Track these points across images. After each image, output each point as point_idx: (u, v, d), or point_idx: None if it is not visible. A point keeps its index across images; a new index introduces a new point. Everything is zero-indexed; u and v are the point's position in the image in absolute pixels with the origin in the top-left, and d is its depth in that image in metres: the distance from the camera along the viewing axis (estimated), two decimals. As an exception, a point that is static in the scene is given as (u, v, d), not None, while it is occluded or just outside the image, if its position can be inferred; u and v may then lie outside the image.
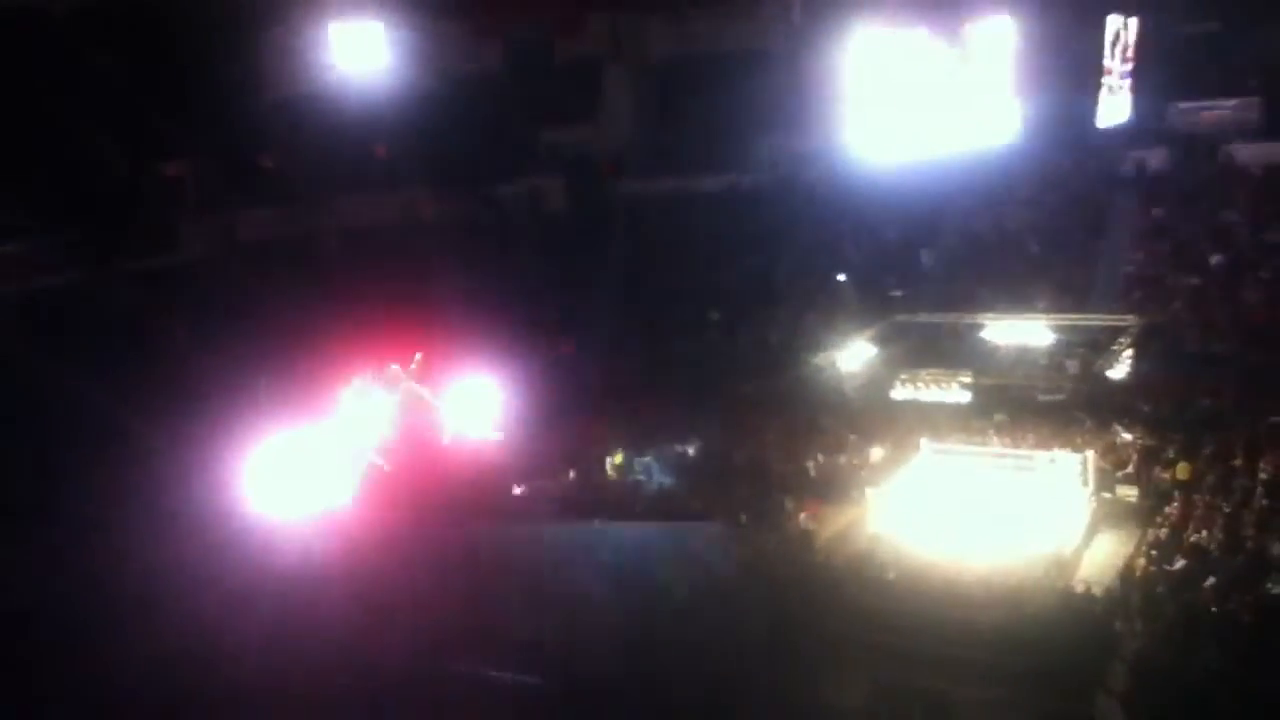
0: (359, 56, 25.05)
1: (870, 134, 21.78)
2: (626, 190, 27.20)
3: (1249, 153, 24.43)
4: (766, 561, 16.04)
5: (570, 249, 25.00)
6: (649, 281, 24.29)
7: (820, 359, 19.62)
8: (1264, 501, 15.80)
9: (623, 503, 18.22)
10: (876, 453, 19.46)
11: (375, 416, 17.37)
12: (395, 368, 17.71)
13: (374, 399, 17.46)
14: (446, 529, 15.93)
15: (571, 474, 19.45)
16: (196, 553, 14.41)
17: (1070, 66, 23.98)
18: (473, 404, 18.41)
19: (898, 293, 23.46)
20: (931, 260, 24.78)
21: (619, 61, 29.47)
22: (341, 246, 24.08)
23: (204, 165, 24.44)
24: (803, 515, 17.40)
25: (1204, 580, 14.10)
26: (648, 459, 19.49)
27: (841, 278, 24.19)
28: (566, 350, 20.33)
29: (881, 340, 19.90)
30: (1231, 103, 25.06)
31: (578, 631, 14.21)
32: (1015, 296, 21.42)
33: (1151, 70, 24.81)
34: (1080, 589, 14.73)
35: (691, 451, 19.92)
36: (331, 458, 16.34)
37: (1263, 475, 16.35)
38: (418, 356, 17.97)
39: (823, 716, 13.20)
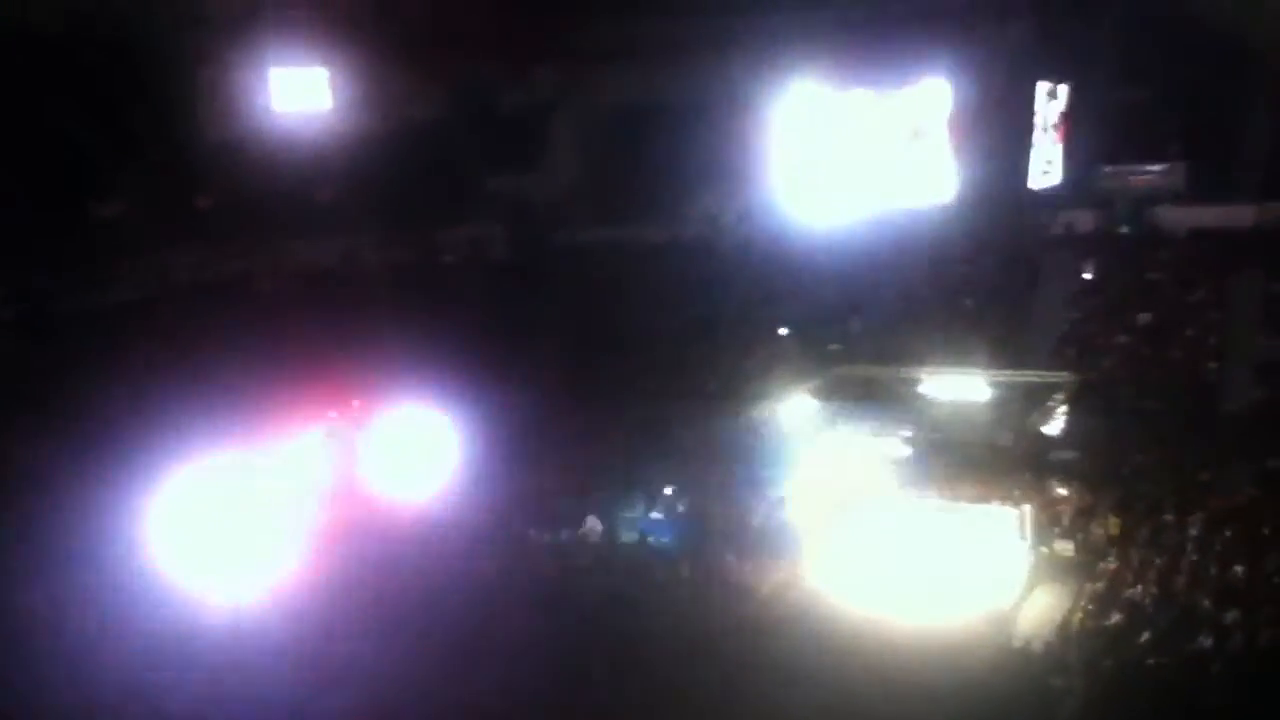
0: (301, 100, 24.87)
1: (807, 190, 22.13)
2: (568, 239, 27.24)
3: (1174, 215, 25.22)
4: (706, 614, 15.91)
5: (512, 297, 24.87)
6: (590, 331, 24.22)
7: (760, 411, 19.65)
8: (1194, 556, 16.11)
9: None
10: (815, 504, 19.44)
11: (312, 466, 16.85)
12: (333, 414, 17.25)
13: (311, 447, 16.96)
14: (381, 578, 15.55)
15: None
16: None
17: (1003, 129, 24.64)
18: (416, 452, 18.01)
19: (836, 346, 23.67)
20: (866, 319, 25.06)
21: (563, 111, 29.65)
22: (279, 289, 23.66)
23: (140, 205, 23.97)
24: (743, 568, 17.35)
25: (1139, 635, 14.27)
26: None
27: (782, 331, 24.34)
28: (510, 399, 20.06)
29: (822, 393, 20.01)
30: (1157, 168, 25.88)
31: (503, 684, 13.88)
32: (952, 352, 21.69)
33: (1081, 135, 25.58)
34: (1018, 644, 14.82)
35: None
36: (258, 506, 15.76)
37: (1192, 531, 16.71)
38: (356, 403, 17.55)
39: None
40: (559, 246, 26.97)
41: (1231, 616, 14.57)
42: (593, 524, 19.01)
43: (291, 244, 24.53)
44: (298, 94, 24.68)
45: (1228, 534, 16.42)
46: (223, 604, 14.44)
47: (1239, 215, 24.79)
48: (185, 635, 13.68)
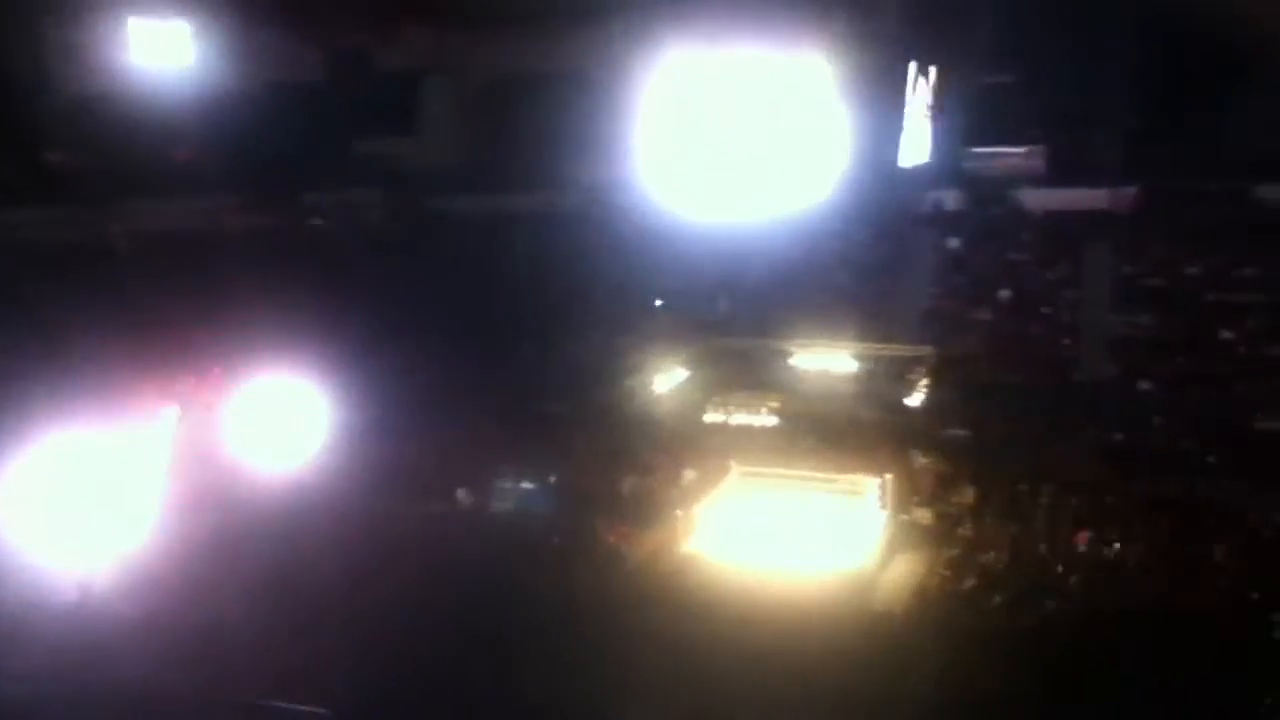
0: (161, 55, 23.71)
1: (682, 162, 22.15)
2: (444, 207, 26.70)
3: (1034, 198, 26.12)
4: (577, 584, 15.95)
5: (385, 264, 24.31)
6: (465, 299, 23.84)
7: (634, 382, 19.74)
8: (1045, 524, 16.88)
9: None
10: (687, 475, 19.67)
11: (170, 436, 16.17)
12: (192, 383, 16.59)
13: (169, 417, 16.27)
14: (240, 552, 15.09)
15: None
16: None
17: (875, 108, 25.04)
18: (280, 418, 17.46)
19: (709, 319, 23.84)
20: (739, 292, 25.26)
21: (439, 76, 28.98)
22: (137, 253, 22.59)
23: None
24: (613, 537, 17.44)
25: (991, 599, 14.89)
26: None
27: (657, 303, 24.40)
28: (381, 369, 19.62)
29: (695, 364, 20.22)
30: (1020, 150, 26.73)
31: (369, 657, 13.67)
32: (822, 326, 22.10)
33: (949, 117, 26.22)
34: (879, 608, 15.31)
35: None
36: (113, 479, 15.10)
37: (1043, 500, 17.48)
38: (217, 372, 16.91)
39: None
40: (434, 214, 26.40)
41: (1076, 580, 15.34)
42: (463, 495, 18.82)
43: (150, 205, 23.44)
44: (158, 48, 23.51)
45: (1075, 503, 17.25)
46: (74, 580, 13.88)
47: (1094, 198, 25.80)
48: (34, 612, 13.13)
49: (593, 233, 25.76)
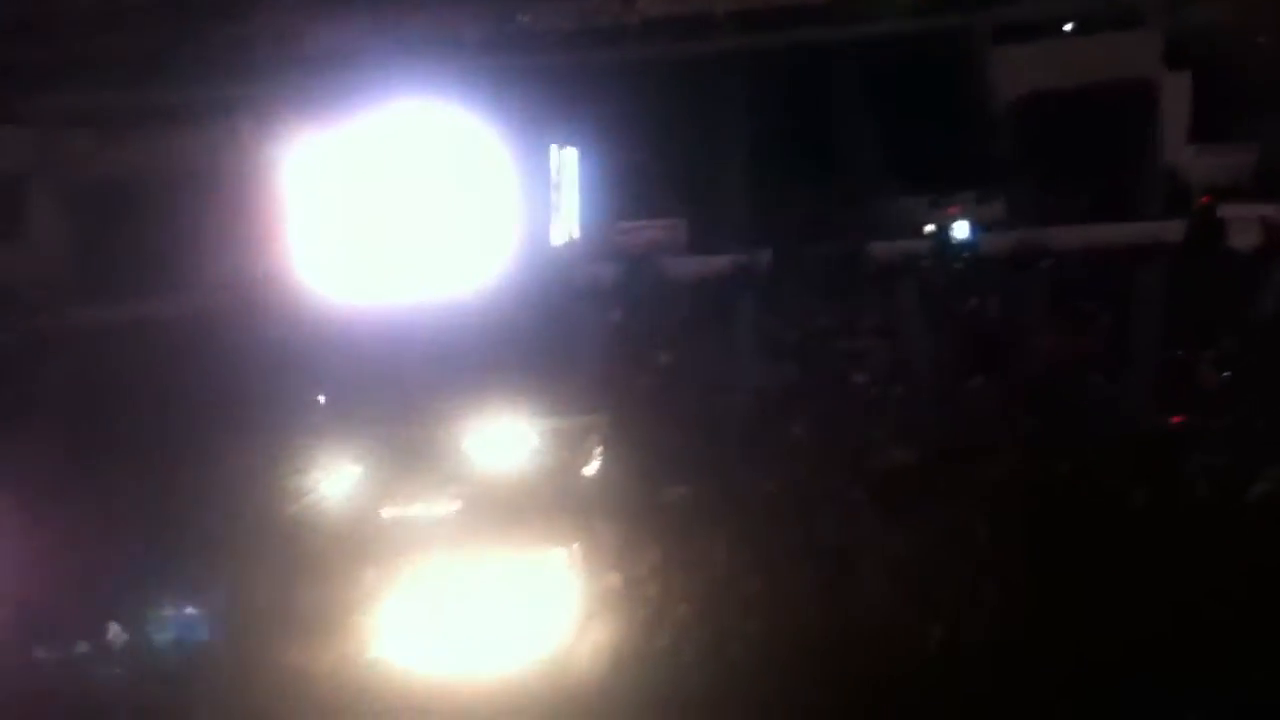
0: None
1: (332, 251, 21.59)
2: (58, 320, 24.32)
3: (679, 266, 27.83)
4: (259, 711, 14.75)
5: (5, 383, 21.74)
6: (104, 417, 21.74)
7: (302, 485, 18.71)
8: (723, 573, 17.55)
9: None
10: (368, 575, 18.75)
11: None
12: None
13: None
14: None
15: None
16: None
17: (523, 189, 25.70)
18: None
19: (377, 411, 23.09)
20: (404, 379, 24.74)
21: (40, 180, 26.59)
22: None
23: None
24: (292, 654, 16.26)
25: (682, 654, 15.25)
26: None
27: (319, 398, 23.37)
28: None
29: (365, 459, 19.46)
30: (661, 223, 28.48)
31: None
32: (493, 405, 22.00)
33: (594, 195, 27.40)
34: (575, 678, 15.25)
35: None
36: None
37: (718, 552, 18.20)
38: None
39: None
40: (46, 328, 23.96)
41: (754, 627, 16.08)
42: (116, 630, 16.87)
43: None
44: None
45: (746, 550, 18.08)
46: None
47: (732, 264, 27.87)
48: None
49: (238, 333, 24.40)
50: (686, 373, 24.58)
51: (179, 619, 17.45)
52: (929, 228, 30.22)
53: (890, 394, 23.61)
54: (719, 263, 27.89)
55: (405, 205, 22.86)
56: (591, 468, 19.42)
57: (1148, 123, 30.37)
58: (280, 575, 18.38)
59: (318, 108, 21.67)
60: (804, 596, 16.39)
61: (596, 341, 26.12)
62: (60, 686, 15.68)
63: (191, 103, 25.53)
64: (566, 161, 27.11)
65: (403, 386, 24.49)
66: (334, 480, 18.72)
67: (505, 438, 19.87)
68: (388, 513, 18.42)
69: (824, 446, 21.42)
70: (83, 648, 16.75)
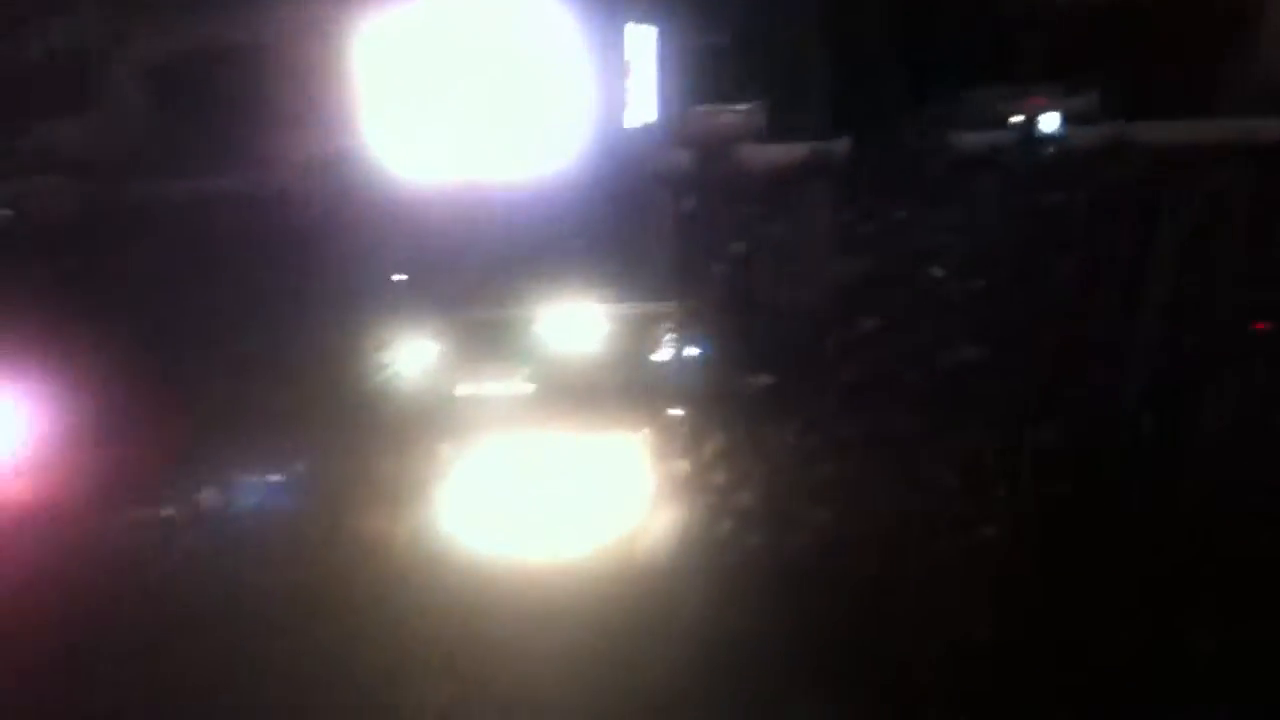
0: None
1: (407, 130, 21.56)
2: (144, 192, 24.66)
3: (756, 154, 27.23)
4: (337, 576, 15.38)
5: (86, 256, 22.22)
6: (177, 290, 22.20)
7: (379, 362, 19.12)
8: (791, 464, 17.74)
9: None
10: (442, 450, 19.25)
11: None
12: None
13: None
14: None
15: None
16: None
17: (597, 71, 25.27)
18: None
19: (452, 291, 23.36)
20: (481, 261, 24.94)
21: (123, 52, 26.68)
22: None
23: None
24: (369, 524, 16.86)
25: (747, 539, 15.54)
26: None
27: (397, 278, 23.65)
28: (92, 366, 17.95)
29: (440, 339, 19.80)
30: (741, 108, 27.76)
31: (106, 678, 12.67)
32: (567, 289, 22.15)
33: (671, 77, 26.83)
34: (642, 561, 15.66)
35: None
36: None
37: (789, 439, 18.36)
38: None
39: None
40: (132, 200, 24.32)
41: (819, 515, 16.29)
42: (209, 493, 17.62)
43: None
44: None
45: (816, 440, 18.24)
46: None
47: (809, 152, 27.20)
48: None
49: (315, 210, 24.62)
50: (759, 262, 24.37)
51: (263, 486, 18.12)
52: (1014, 119, 29.15)
53: (966, 289, 23.22)
54: (797, 151, 27.28)
55: (478, 84, 22.70)
56: (662, 354, 19.52)
57: (1250, 13, 28.77)
58: (359, 447, 18.99)
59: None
60: (869, 486, 16.59)
61: (669, 228, 25.93)
62: (156, 545, 16.46)
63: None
64: (643, 41, 26.56)
65: (476, 268, 24.74)
66: (410, 357, 19.07)
67: (578, 322, 20.06)
68: (462, 390, 18.75)
69: (895, 339, 21.28)
70: (174, 510, 17.50)
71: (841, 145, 28.38)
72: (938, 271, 23.81)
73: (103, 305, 20.19)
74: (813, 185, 26.96)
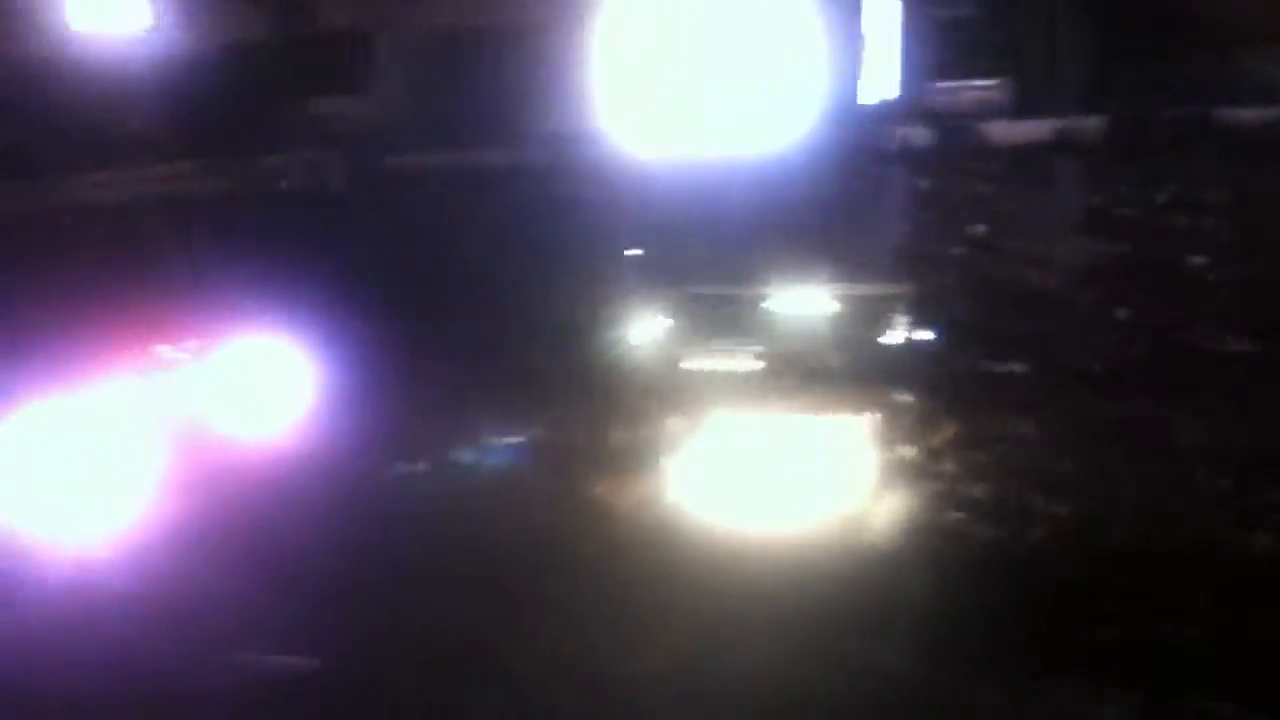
0: (104, 18, 23.02)
1: (646, 107, 21.96)
2: (403, 163, 26.29)
3: (1001, 130, 26.12)
4: (567, 536, 15.98)
5: (350, 223, 23.96)
6: (437, 257, 23.57)
7: (611, 333, 19.67)
8: (1026, 455, 17.07)
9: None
10: (670, 422, 19.65)
11: (148, 405, 15.89)
12: (168, 350, 16.31)
13: (146, 385, 15.99)
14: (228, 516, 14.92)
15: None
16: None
17: (835, 45, 24.87)
18: (253, 380, 17.21)
19: (684, 266, 23.72)
20: (711, 237, 25.17)
21: (389, 32, 28.41)
22: (88, 223, 22.06)
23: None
24: (598, 490, 17.44)
25: (979, 530, 15.07)
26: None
27: (631, 252, 24.24)
28: (356, 329, 19.41)
29: (670, 312, 20.16)
30: (986, 83, 26.67)
31: (361, 613, 13.65)
32: (796, 268, 22.08)
33: (911, 51, 26.10)
34: (867, 546, 15.46)
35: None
36: (83, 451, 14.86)
37: (1026, 430, 17.67)
38: (192, 338, 16.66)
39: (624, 684, 13.28)
40: (395, 171, 25.99)
41: (1060, 511, 15.57)
42: (465, 452, 18.73)
43: (110, 174, 22.86)
44: (101, 9, 22.81)
45: (1057, 431, 17.45)
46: (63, 557, 13.70)
47: (1061, 128, 25.86)
48: (23, 593, 12.95)
49: (558, 184, 25.51)
50: (1002, 245, 23.43)
51: (505, 447, 19.05)
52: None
53: (1232, 279, 21.52)
54: (1045, 127, 25.96)
55: (715, 62, 22.85)
56: (893, 337, 19.15)
57: None
58: (592, 414, 19.66)
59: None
60: (1118, 483, 15.74)
61: (906, 207, 25.33)
62: (402, 495, 17.61)
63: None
64: (886, 14, 25.96)
65: (710, 244, 24.99)
66: (642, 331, 19.52)
67: (808, 301, 19.95)
68: (688, 365, 19.05)
69: (1150, 329, 20.03)
70: (420, 465, 18.66)
71: (1094, 121, 26.82)
72: (1200, 259, 22.20)
73: (367, 271, 21.65)
74: (1062, 163, 25.64)
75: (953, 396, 19.08)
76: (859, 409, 18.91)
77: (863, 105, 25.69)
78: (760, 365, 18.84)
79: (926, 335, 20.40)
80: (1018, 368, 19.22)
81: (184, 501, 15.13)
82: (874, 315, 20.04)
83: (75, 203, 22.26)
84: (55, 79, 22.16)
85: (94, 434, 14.61)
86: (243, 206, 23.06)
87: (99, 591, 13.25)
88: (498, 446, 18.97)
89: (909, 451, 18.19)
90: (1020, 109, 26.14)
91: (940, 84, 26.79)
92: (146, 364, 15.78)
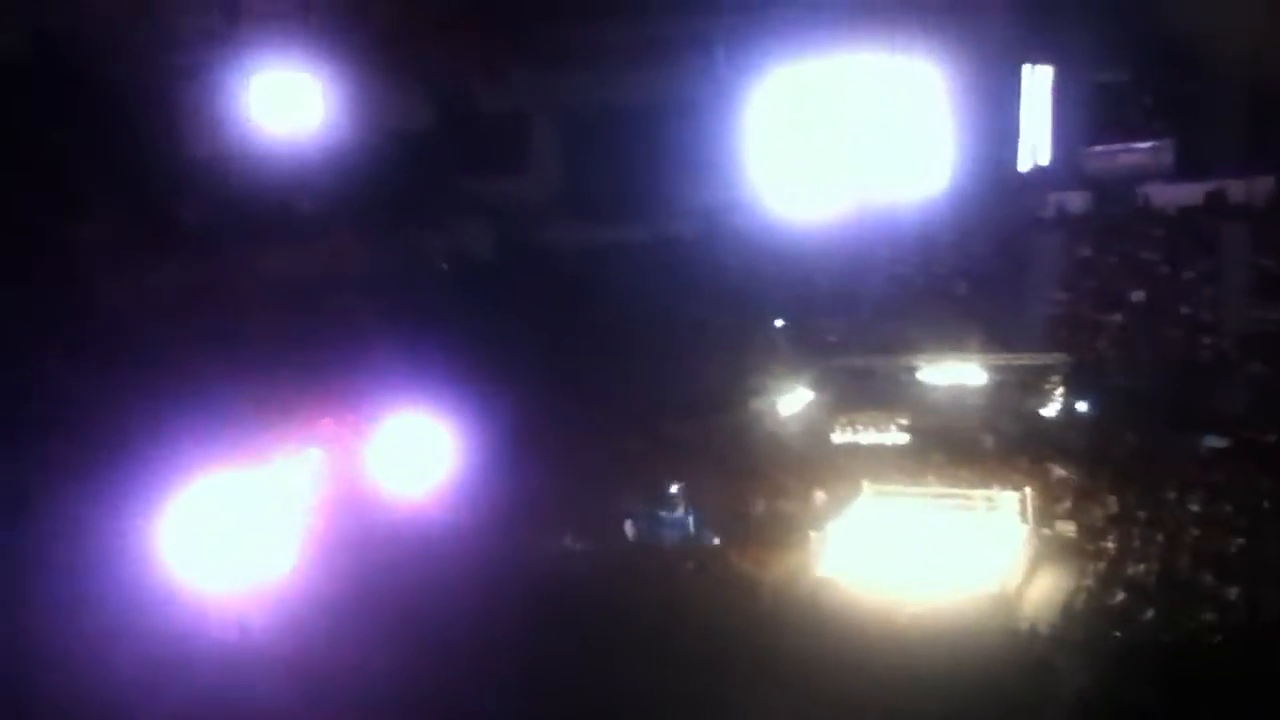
0: (282, 109, 24.74)
1: (793, 179, 22.14)
2: (554, 240, 27.17)
3: (1163, 193, 25.27)
4: (715, 612, 15.97)
5: (503, 299, 24.81)
6: (588, 330, 24.15)
7: (759, 404, 19.74)
8: (1195, 533, 16.23)
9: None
10: (818, 496, 19.54)
11: (305, 475, 16.76)
12: (326, 421, 17.17)
13: (303, 456, 16.86)
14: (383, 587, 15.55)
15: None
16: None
17: (990, 112, 24.62)
18: (414, 455, 17.93)
19: (833, 337, 23.68)
20: (860, 308, 25.07)
21: (540, 113, 29.57)
22: (262, 297, 23.49)
23: (120, 221, 23.73)
24: (747, 562, 17.42)
25: (1141, 614, 14.38)
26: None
27: (778, 323, 24.36)
28: (508, 403, 20.02)
29: (819, 384, 20.13)
30: (1145, 145, 25.92)
31: (513, 692, 13.91)
32: (947, 338, 21.75)
33: (1067, 116, 25.61)
34: (1023, 626, 14.93)
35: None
36: (260, 520, 15.72)
37: (1193, 508, 16.82)
38: (354, 410, 17.50)
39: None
40: (550, 247, 26.89)
41: (1233, 591, 14.72)
42: (629, 527, 19.06)
43: (276, 254, 24.37)
44: (279, 103, 24.57)
45: (1227, 509, 16.56)
46: (228, 617, 14.44)
47: (1226, 190, 24.87)
48: (191, 647, 13.67)
49: (710, 256, 25.89)
50: (1164, 312, 22.53)
51: (672, 520, 19.25)
52: None
53: None
54: (1208, 189, 24.98)
55: (867, 134, 22.90)
56: (1050, 409, 18.61)
57: None
58: (740, 487, 19.72)
59: (785, 42, 22.15)
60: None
61: (1060, 275, 24.68)
62: (554, 571, 17.94)
63: (670, 38, 27.00)
64: (1039, 82, 25.61)
65: (859, 314, 24.90)
66: (790, 401, 19.56)
67: (960, 372, 19.62)
68: (838, 437, 18.95)
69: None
70: (571, 539, 19.02)
71: (1261, 182, 25.57)
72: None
73: (523, 346, 22.34)
74: (1225, 225, 24.57)
75: (1114, 470, 18.37)
76: (1014, 483, 18.40)
77: (1018, 172, 25.31)
78: (908, 438, 18.55)
79: (1086, 406, 19.72)
80: (1184, 440, 18.35)
81: (345, 570, 15.82)
82: (1030, 386, 19.51)
83: (252, 278, 23.77)
84: (238, 165, 23.79)
85: (265, 505, 15.47)
86: (404, 284, 24.16)
87: (266, 660, 13.90)
88: (653, 518, 19.20)
89: (1066, 528, 17.59)
90: (1180, 170, 25.28)
91: (1095, 148, 26.19)
92: (317, 438, 16.61)
